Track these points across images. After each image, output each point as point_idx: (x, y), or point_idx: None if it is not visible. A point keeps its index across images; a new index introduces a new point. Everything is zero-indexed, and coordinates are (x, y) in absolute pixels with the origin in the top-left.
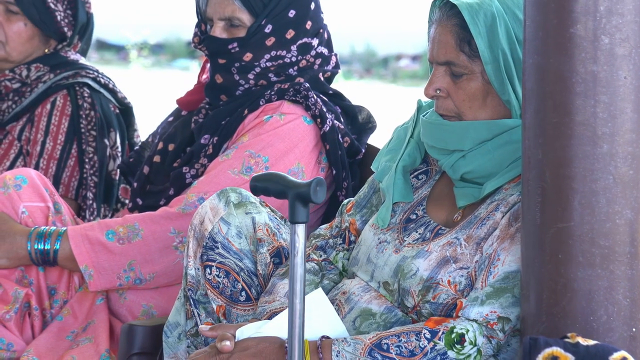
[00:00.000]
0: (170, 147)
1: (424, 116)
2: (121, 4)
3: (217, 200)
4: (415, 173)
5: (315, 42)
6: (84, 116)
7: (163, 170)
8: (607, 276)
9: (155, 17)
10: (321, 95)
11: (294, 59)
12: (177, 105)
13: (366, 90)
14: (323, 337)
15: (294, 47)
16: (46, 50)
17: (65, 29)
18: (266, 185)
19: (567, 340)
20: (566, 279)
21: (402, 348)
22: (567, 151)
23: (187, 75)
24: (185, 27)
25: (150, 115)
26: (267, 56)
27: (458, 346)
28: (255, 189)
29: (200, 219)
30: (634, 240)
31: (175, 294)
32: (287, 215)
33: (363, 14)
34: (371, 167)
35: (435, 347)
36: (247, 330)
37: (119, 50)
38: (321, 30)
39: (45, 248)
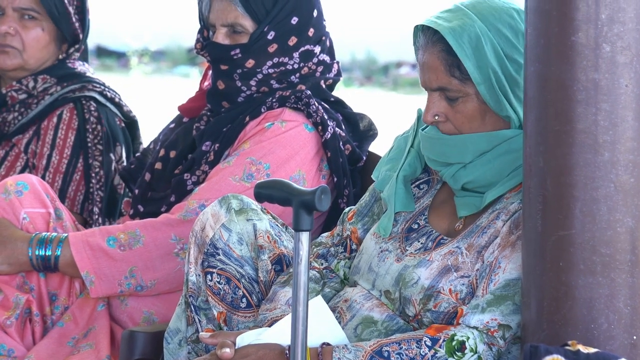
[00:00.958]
0: (172, 154)
1: (423, 130)
2: (122, 10)
3: (219, 206)
4: (417, 182)
5: (317, 49)
6: (90, 130)
7: (164, 177)
8: (608, 284)
9: (156, 24)
10: (322, 103)
11: (296, 66)
12: (178, 112)
13: (367, 98)
14: (324, 344)
15: (296, 54)
16: (60, 57)
17: (78, 31)
18: (270, 192)
19: (567, 348)
20: (567, 286)
21: (402, 355)
22: (568, 159)
23: (188, 82)
24: (186, 34)
25: (151, 122)
26: (269, 63)
27: (459, 353)
28: (260, 196)
29: (201, 225)
30: (634, 248)
31: (176, 300)
32: (288, 223)
33: (364, 21)
34: (372, 177)
35: (436, 355)
36: (248, 337)
37: (119, 57)
38: (323, 38)
39: (47, 254)
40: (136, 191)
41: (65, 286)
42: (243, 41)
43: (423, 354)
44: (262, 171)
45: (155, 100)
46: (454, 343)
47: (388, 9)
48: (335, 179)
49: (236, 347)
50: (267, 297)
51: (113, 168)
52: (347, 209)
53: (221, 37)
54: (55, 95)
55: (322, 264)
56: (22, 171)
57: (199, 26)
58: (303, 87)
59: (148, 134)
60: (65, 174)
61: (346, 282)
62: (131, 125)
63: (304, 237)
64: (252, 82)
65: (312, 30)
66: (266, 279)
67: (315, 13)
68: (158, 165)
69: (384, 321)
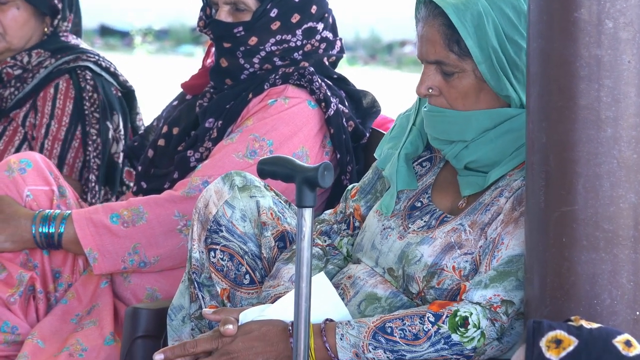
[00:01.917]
0: (175, 130)
1: (425, 107)
2: None
3: (222, 183)
4: (419, 160)
5: (320, 26)
6: (87, 98)
7: (167, 153)
8: (610, 260)
9: (159, 2)
10: (326, 80)
11: (299, 43)
12: (182, 89)
13: (370, 77)
14: (327, 320)
15: (299, 31)
16: (45, 30)
17: (56, 1)
18: (273, 169)
19: (570, 323)
20: (570, 262)
21: (406, 331)
22: (571, 135)
23: (192, 61)
24: (189, 13)
25: (154, 101)
26: (272, 40)
27: (462, 329)
28: (263, 173)
29: (204, 202)
30: (637, 224)
31: (179, 277)
32: (291, 199)
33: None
34: (374, 155)
35: (439, 331)
36: (251, 314)
37: (123, 36)
38: (326, 15)
39: (50, 231)
40: (139, 168)
41: (68, 263)
42: (246, 19)
43: (426, 329)
44: (265, 148)
45: (159, 80)
46: (457, 319)
47: None
48: (339, 156)
49: (239, 324)
50: (270, 274)
51: (110, 136)
52: (350, 186)
53: (224, 14)
54: (50, 67)
55: (325, 241)
56: (20, 145)
57: (201, 4)
58: (306, 64)
59: (152, 112)
60: (64, 141)
61: (349, 260)
62: (128, 95)
63: (307, 213)
64: (255, 60)
65: (314, 7)
66: (269, 256)
67: None
68: (161, 142)
69: (388, 297)
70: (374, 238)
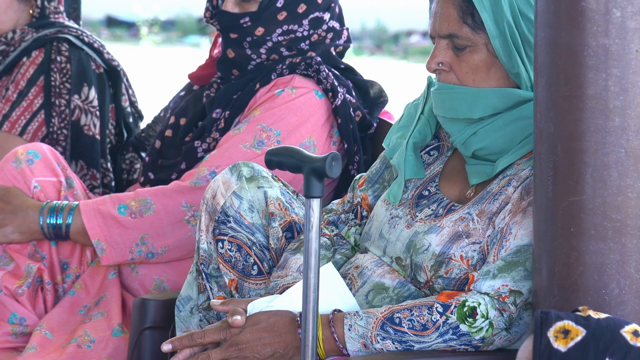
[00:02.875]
0: (182, 121)
1: (433, 87)
2: None
3: (229, 174)
4: (427, 149)
5: (326, 16)
6: (56, 69)
7: (175, 144)
8: (618, 249)
9: None
10: (333, 70)
11: (305, 33)
12: (189, 80)
13: (377, 67)
14: (335, 310)
15: (305, 21)
16: (30, 12)
17: None
18: (281, 159)
19: (578, 313)
20: (578, 252)
21: (414, 322)
22: (579, 125)
23: (198, 52)
24: (195, 4)
25: (160, 92)
26: (278, 30)
27: (470, 319)
28: (270, 163)
29: (212, 193)
30: None
31: (187, 268)
32: (299, 190)
33: None
34: (382, 145)
35: (448, 321)
36: (259, 305)
37: (129, 27)
38: (332, 5)
39: (58, 222)
40: (147, 159)
41: (76, 254)
42: (252, 9)
43: (434, 320)
44: (273, 138)
45: (165, 70)
46: (465, 309)
47: None
48: (346, 146)
49: (247, 315)
50: (278, 264)
51: (73, 106)
52: (357, 176)
53: (230, 5)
54: (30, 40)
55: (332, 231)
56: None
57: None
58: (313, 54)
59: (158, 103)
60: (14, 103)
61: (357, 249)
62: (113, 74)
63: (315, 203)
64: (262, 50)
65: None
66: (277, 247)
67: None
68: (168, 133)
69: (395, 287)
70: (381, 227)
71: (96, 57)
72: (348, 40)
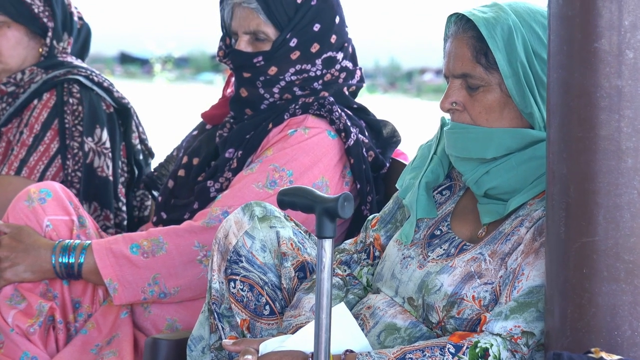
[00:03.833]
0: (195, 161)
1: (446, 127)
2: (146, 17)
3: (242, 214)
4: (439, 189)
5: (340, 56)
6: (69, 112)
7: (187, 184)
8: (631, 291)
9: (179, 30)
10: (345, 110)
11: (318, 72)
12: (201, 119)
13: (390, 104)
14: (347, 351)
15: (318, 61)
16: (40, 50)
17: (45, 20)
18: (293, 200)
19: (590, 355)
20: (590, 293)
21: None
22: (592, 166)
23: (211, 89)
24: (209, 41)
25: (173, 129)
26: (292, 70)
27: None
28: (283, 203)
29: (224, 232)
30: None
31: (199, 307)
32: (312, 230)
33: (387, 28)
34: (396, 185)
35: None
36: (271, 344)
37: (143, 64)
38: (346, 44)
39: (70, 261)
40: (159, 198)
41: (88, 293)
42: (265, 48)
43: None
44: (285, 178)
45: (178, 107)
46: (477, 350)
47: (411, 15)
48: (359, 186)
49: (259, 355)
50: (291, 304)
51: (87, 149)
52: (370, 216)
53: (244, 44)
54: (40, 81)
55: (345, 271)
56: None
57: (221, 34)
58: (326, 94)
59: (171, 141)
60: (30, 147)
61: (369, 289)
62: (124, 112)
63: (327, 244)
64: (275, 89)
65: (334, 36)
66: (289, 286)
67: (337, 20)
68: (181, 173)
69: (407, 328)
70: (393, 267)
71: (106, 96)
72: (361, 80)
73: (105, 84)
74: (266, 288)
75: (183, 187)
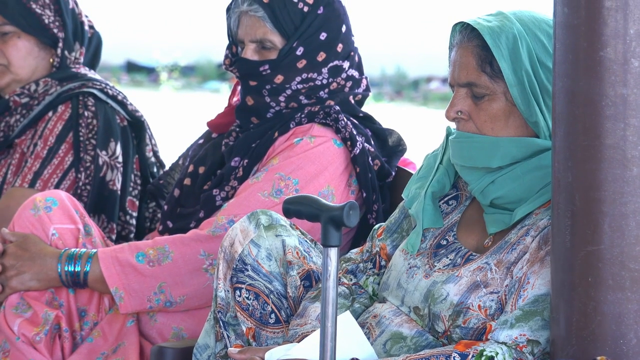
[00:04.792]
0: (201, 169)
1: (452, 136)
2: (152, 25)
3: (247, 222)
4: (446, 198)
5: (346, 64)
6: (83, 125)
7: (193, 192)
8: (637, 299)
9: (185, 39)
10: (351, 118)
11: (324, 81)
12: (207, 128)
13: (397, 113)
14: (352, 359)
15: (325, 70)
16: (51, 60)
17: (55, 31)
18: (299, 208)
19: None
20: (596, 302)
21: None
22: (597, 174)
23: (218, 97)
24: (215, 49)
25: (180, 137)
26: (298, 78)
27: None
28: (288, 212)
29: (230, 241)
30: None
31: (205, 316)
32: (317, 238)
33: (393, 36)
34: (402, 195)
35: None
36: (276, 353)
37: (149, 72)
38: (352, 53)
39: (76, 270)
40: (165, 207)
41: (94, 302)
42: (272, 57)
43: None
44: (291, 187)
45: (184, 116)
46: (483, 358)
47: (417, 24)
48: (364, 195)
49: None
50: (297, 313)
51: (101, 162)
52: (376, 226)
53: (250, 52)
54: (55, 94)
55: (351, 280)
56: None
57: (227, 42)
58: (332, 103)
59: (177, 149)
60: (44, 159)
61: (375, 298)
62: (137, 125)
63: (333, 252)
64: (281, 98)
65: (340, 45)
66: (295, 295)
67: (343, 28)
68: (187, 181)
69: (413, 337)
70: (399, 277)
71: (120, 109)
72: (367, 89)
73: (119, 97)
74: (272, 296)
75: (189, 195)
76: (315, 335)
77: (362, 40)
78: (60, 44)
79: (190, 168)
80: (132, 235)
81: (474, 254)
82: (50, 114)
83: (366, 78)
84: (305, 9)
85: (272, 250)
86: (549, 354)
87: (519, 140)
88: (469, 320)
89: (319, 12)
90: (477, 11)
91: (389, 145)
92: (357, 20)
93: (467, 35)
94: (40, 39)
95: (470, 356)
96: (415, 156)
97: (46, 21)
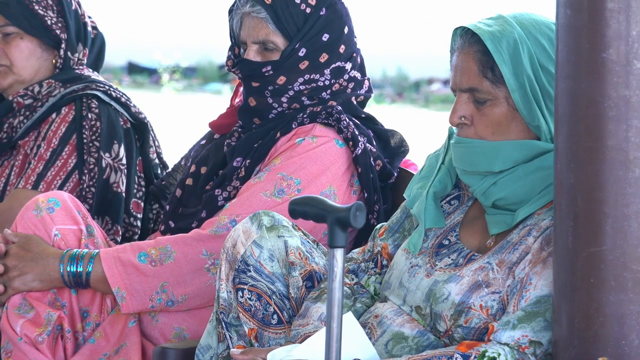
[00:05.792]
0: (203, 170)
1: (453, 141)
2: (154, 27)
3: (250, 223)
4: (448, 198)
5: (348, 66)
6: (87, 127)
7: (195, 193)
8: (639, 300)
9: (187, 40)
10: (353, 119)
11: (327, 82)
12: (209, 129)
13: (398, 115)
14: None
15: (327, 71)
16: (53, 61)
17: (58, 32)
18: (305, 209)
19: None
20: (598, 303)
21: None
22: (599, 176)
23: (219, 99)
24: (217, 51)
25: (181, 139)
26: (300, 79)
27: None
28: (294, 213)
29: (232, 242)
30: None
31: (207, 316)
32: (319, 239)
33: (395, 38)
34: (404, 195)
35: None
36: (278, 354)
37: (151, 74)
38: (354, 55)
39: (78, 270)
40: (167, 207)
41: (96, 302)
42: (274, 58)
43: None
44: (293, 187)
45: (186, 117)
46: (485, 359)
47: (419, 25)
48: (366, 195)
49: None
50: (299, 313)
51: (105, 165)
52: (378, 226)
53: (252, 54)
54: (58, 96)
55: (352, 280)
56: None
57: (230, 43)
58: (334, 103)
59: (179, 150)
60: (48, 161)
61: (377, 298)
62: (140, 127)
63: (339, 253)
64: (284, 99)
65: (343, 46)
66: (297, 296)
67: (346, 30)
68: (189, 181)
69: (415, 337)
70: (401, 276)
71: (123, 111)
72: (369, 90)
73: (122, 99)
74: (274, 297)
75: (191, 196)
76: (318, 336)
77: (364, 41)
78: (63, 45)
79: (193, 168)
80: (136, 237)
81: (476, 254)
82: (53, 115)
83: (368, 79)
84: (308, 10)
85: (274, 251)
86: (551, 355)
87: (521, 143)
88: (470, 320)
89: (322, 13)
90: (478, 13)
91: (391, 146)
92: (359, 21)
93: (468, 40)
94: (43, 40)
95: (472, 357)
96: (416, 158)
97: (49, 22)
